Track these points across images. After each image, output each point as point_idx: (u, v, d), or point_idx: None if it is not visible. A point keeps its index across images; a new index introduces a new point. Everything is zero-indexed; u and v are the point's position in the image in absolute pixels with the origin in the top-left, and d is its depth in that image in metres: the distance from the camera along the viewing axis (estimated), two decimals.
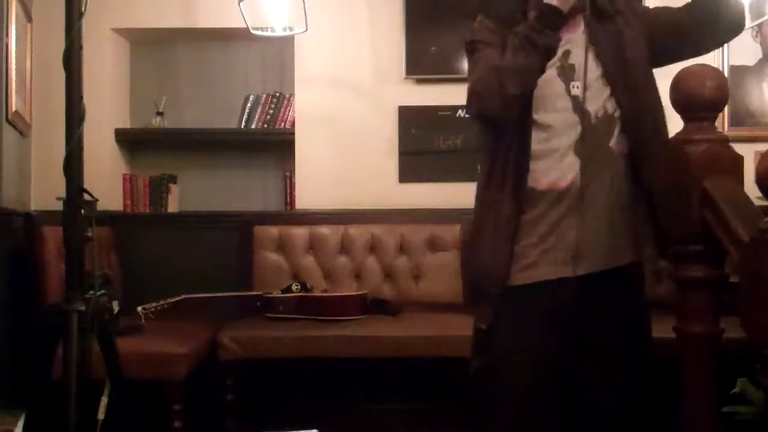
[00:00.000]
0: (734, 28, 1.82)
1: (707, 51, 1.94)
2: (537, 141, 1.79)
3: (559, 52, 1.78)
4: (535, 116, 1.79)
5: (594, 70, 1.81)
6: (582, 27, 1.84)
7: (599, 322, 1.80)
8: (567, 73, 1.81)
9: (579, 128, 1.79)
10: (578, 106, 1.79)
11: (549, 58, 1.74)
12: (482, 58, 1.80)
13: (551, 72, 1.78)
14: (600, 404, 1.82)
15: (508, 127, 1.78)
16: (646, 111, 1.83)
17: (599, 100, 1.81)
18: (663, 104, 1.85)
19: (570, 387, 1.82)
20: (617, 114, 1.81)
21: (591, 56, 1.80)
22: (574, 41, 1.83)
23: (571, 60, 1.82)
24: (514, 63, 1.70)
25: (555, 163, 1.79)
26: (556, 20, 1.72)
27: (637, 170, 1.82)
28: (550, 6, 1.71)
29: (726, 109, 3.53)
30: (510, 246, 1.79)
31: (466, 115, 1.81)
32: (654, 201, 1.80)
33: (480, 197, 1.89)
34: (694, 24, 1.79)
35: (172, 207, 3.96)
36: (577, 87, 1.79)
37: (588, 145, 1.78)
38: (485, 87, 1.72)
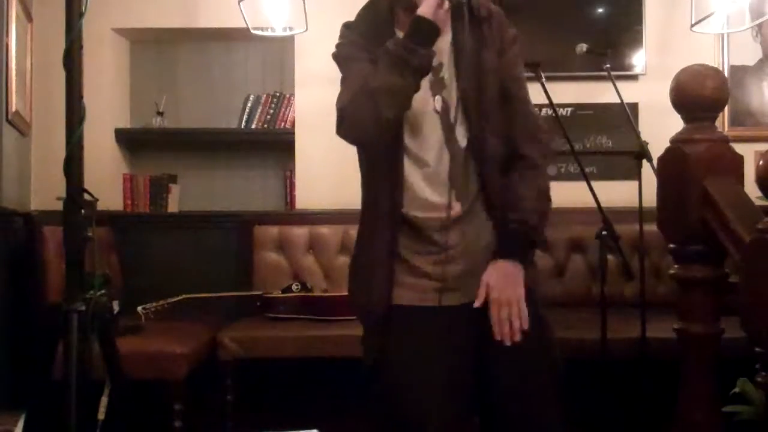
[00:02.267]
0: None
1: None
2: (410, 166, 1.67)
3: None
4: (406, 140, 1.67)
5: (455, 87, 1.68)
6: (449, 34, 1.69)
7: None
8: (435, 88, 1.68)
9: (447, 153, 1.67)
10: (446, 126, 1.67)
11: (423, 77, 1.58)
12: (350, 76, 1.66)
13: (424, 87, 1.62)
14: (515, 406, 1.66)
15: (381, 150, 1.67)
16: (494, 136, 1.68)
17: (464, 120, 1.67)
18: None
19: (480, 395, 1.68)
20: (471, 137, 1.68)
21: (455, 71, 1.68)
22: (442, 50, 1.67)
23: (441, 73, 1.68)
24: (387, 84, 1.54)
25: (428, 190, 1.68)
26: (430, 35, 1.55)
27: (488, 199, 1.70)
28: (423, 20, 1.54)
29: (726, 109, 3.53)
30: (390, 270, 1.68)
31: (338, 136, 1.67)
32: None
33: (360, 222, 1.78)
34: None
35: (172, 207, 3.96)
36: (440, 101, 1.67)
37: (458, 171, 1.66)
38: (357, 110, 1.58)
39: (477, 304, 1.60)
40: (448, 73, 1.69)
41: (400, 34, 1.64)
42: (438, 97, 1.68)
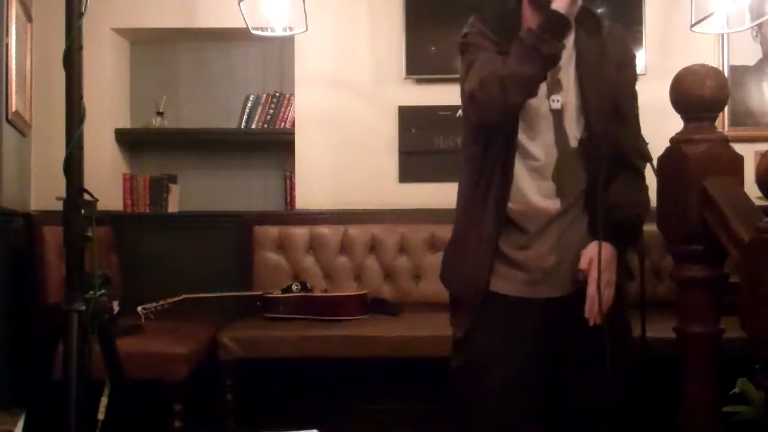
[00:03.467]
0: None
1: None
2: (518, 161, 1.78)
3: None
4: (519, 136, 1.78)
5: (575, 90, 1.79)
6: (571, 39, 1.79)
7: (577, 332, 1.78)
8: (552, 89, 1.78)
9: (556, 151, 1.78)
10: (559, 126, 1.77)
11: (552, 67, 1.70)
12: (477, 62, 1.75)
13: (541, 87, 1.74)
14: (584, 396, 1.81)
15: (502, 135, 1.77)
16: (608, 141, 1.77)
17: (578, 122, 1.79)
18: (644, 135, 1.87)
19: (552, 381, 1.83)
20: (584, 138, 1.79)
21: (575, 73, 1.78)
22: (564, 55, 1.76)
23: (559, 75, 1.78)
24: (518, 71, 1.65)
25: (533, 185, 1.79)
26: (563, 29, 1.66)
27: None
28: (557, 14, 1.65)
29: (726, 109, 3.53)
30: (491, 259, 1.80)
31: (460, 116, 1.78)
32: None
33: (463, 210, 1.89)
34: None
35: (172, 207, 3.96)
36: (558, 101, 1.77)
37: (564, 169, 1.78)
38: (487, 95, 1.67)
39: (582, 264, 1.74)
40: (566, 75, 1.77)
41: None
42: (554, 97, 1.76)
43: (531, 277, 1.80)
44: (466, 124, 1.90)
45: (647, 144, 2.67)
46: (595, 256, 1.72)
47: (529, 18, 1.78)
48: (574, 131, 1.78)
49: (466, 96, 1.74)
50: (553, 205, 1.78)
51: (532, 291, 1.80)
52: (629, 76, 1.86)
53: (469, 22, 1.85)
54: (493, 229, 1.79)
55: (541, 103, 1.76)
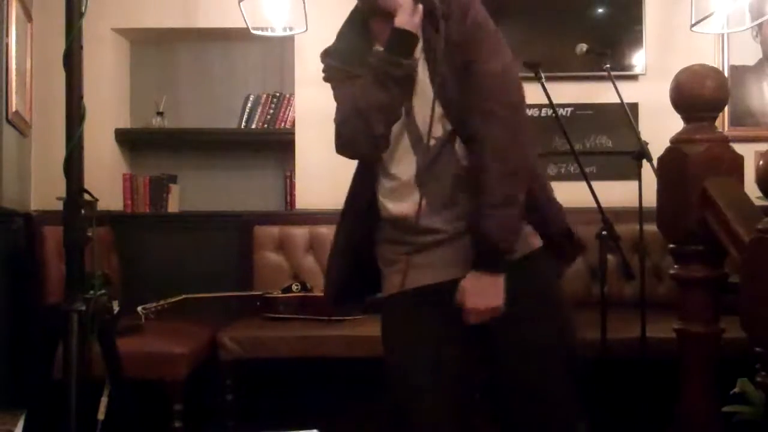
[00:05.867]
0: None
1: None
2: (381, 171, 1.72)
3: None
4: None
5: (429, 89, 1.64)
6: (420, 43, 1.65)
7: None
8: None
9: (414, 157, 1.67)
10: (412, 129, 1.67)
11: (408, 86, 1.61)
12: (339, 96, 1.71)
13: None
14: (519, 370, 1.69)
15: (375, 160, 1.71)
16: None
17: (437, 121, 1.64)
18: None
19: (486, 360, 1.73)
20: (450, 130, 1.66)
21: (426, 73, 1.66)
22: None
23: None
24: (374, 101, 1.58)
25: (399, 193, 1.70)
26: (410, 45, 1.57)
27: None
28: (401, 31, 1.56)
29: (726, 109, 3.53)
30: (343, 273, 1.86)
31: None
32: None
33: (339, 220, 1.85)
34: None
35: (172, 207, 3.96)
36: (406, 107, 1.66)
37: (426, 171, 1.66)
38: (352, 130, 1.63)
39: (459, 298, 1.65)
40: (419, 77, 1.65)
41: (378, 46, 1.66)
42: (407, 104, 1.66)
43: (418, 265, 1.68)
44: None
45: (647, 144, 2.70)
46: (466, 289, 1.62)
47: (379, 30, 1.68)
48: (437, 130, 1.65)
49: (335, 131, 1.70)
50: (416, 212, 1.64)
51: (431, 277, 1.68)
52: (470, 34, 1.64)
53: (321, 61, 1.79)
54: (361, 234, 1.78)
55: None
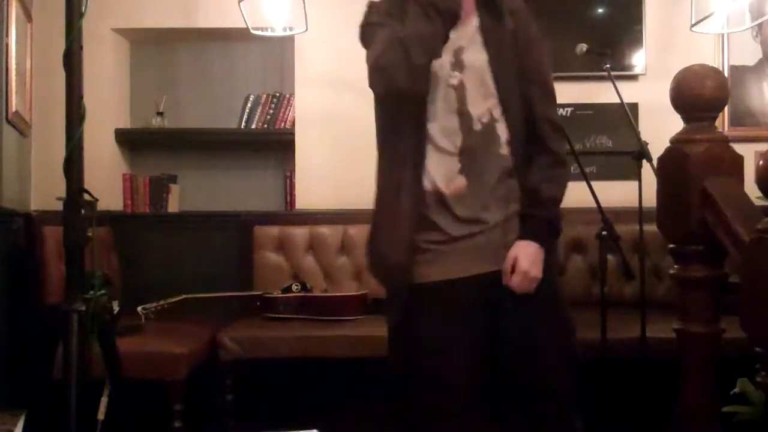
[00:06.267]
0: None
1: None
2: (428, 143, 1.75)
3: (452, 47, 1.74)
4: (427, 121, 1.76)
5: (484, 70, 1.76)
6: (475, 23, 1.79)
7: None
8: (456, 68, 1.76)
9: (460, 134, 1.74)
10: (463, 108, 1.74)
11: (453, 24, 1.68)
12: (380, 35, 1.74)
13: (444, 66, 1.74)
14: (518, 369, 1.72)
15: (413, 105, 1.74)
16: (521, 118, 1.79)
17: (484, 103, 1.75)
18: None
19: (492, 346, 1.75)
20: (503, 118, 1.76)
21: (483, 55, 1.76)
22: (467, 37, 1.77)
23: (463, 55, 1.77)
24: (417, 31, 1.64)
25: (443, 167, 1.75)
26: None
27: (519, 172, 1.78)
28: None
29: (726, 109, 3.53)
30: (409, 237, 1.75)
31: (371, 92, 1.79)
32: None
33: (379, 191, 1.89)
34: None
35: (172, 207, 3.96)
36: (456, 79, 1.74)
37: (471, 150, 1.73)
38: (390, 60, 1.66)
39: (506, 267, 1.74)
40: (470, 56, 1.76)
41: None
42: (457, 74, 1.75)
43: (461, 257, 1.73)
44: (378, 113, 1.92)
45: (647, 144, 2.70)
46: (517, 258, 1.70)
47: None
48: (479, 114, 1.74)
49: (371, 67, 1.72)
50: (461, 186, 1.73)
51: (465, 270, 1.72)
52: (535, 51, 1.83)
53: (366, 11, 1.85)
54: (410, 208, 1.75)
55: (444, 81, 1.74)
